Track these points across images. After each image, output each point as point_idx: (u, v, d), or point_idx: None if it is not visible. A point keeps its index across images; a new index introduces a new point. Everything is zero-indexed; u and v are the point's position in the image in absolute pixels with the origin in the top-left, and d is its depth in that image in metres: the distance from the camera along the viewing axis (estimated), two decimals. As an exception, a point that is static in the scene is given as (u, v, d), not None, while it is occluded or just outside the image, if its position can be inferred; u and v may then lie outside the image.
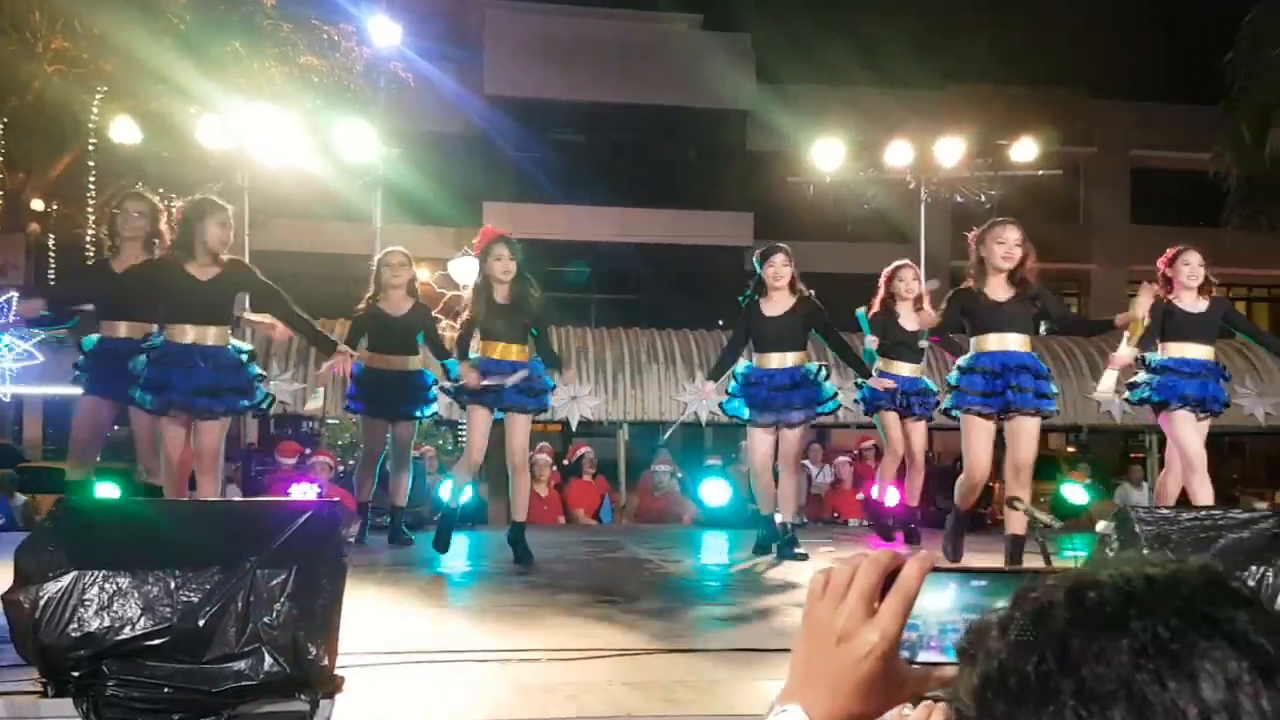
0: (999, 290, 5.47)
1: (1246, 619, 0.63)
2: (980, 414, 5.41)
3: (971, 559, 6.47)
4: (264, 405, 5.63)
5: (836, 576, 0.87)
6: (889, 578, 0.85)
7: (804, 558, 6.02)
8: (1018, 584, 0.81)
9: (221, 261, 5.25)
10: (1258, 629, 0.63)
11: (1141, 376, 5.97)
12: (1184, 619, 0.63)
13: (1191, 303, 5.99)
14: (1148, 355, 5.97)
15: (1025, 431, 5.40)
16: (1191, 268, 5.99)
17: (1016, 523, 5.24)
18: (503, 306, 5.78)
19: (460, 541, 6.73)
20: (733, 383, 6.25)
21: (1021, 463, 5.38)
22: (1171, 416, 5.79)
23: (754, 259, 6.33)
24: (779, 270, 6.07)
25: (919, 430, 6.98)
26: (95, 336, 5.66)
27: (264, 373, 5.75)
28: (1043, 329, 8.25)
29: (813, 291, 6.23)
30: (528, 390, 5.75)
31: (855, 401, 7.40)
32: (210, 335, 5.16)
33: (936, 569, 0.85)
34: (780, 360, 6.06)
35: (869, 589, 0.85)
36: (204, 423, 5.15)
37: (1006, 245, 5.45)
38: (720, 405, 6.49)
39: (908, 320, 6.86)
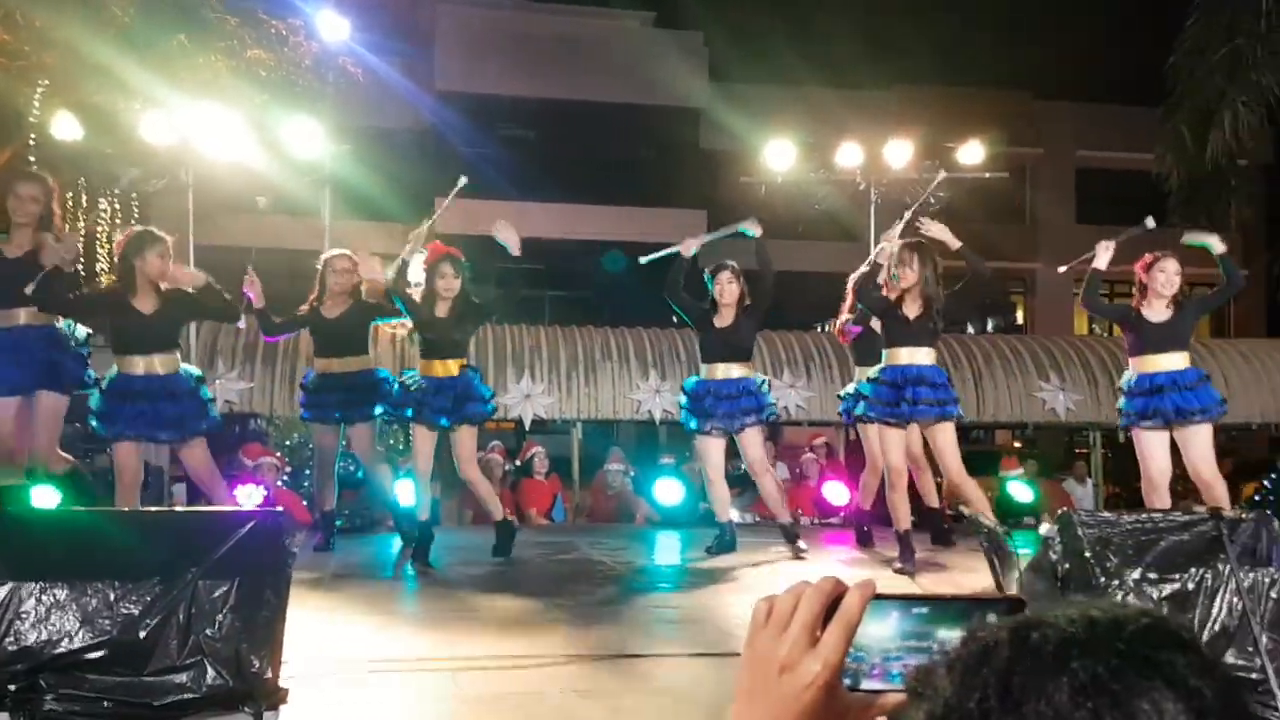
0: (912, 307, 5.99)
1: (1185, 662, 0.65)
2: (887, 423, 5.94)
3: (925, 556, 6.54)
4: (219, 427, 6.04)
5: (779, 606, 0.87)
6: (831, 606, 0.86)
7: (804, 555, 6.35)
8: (958, 610, 0.84)
9: (163, 293, 5.58)
10: (1195, 672, 0.64)
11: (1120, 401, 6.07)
12: (1124, 660, 0.64)
13: (1160, 311, 5.91)
14: (1124, 377, 6.09)
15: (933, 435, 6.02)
16: (1167, 275, 5.85)
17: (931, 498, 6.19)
18: (442, 321, 6.10)
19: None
20: (682, 396, 6.67)
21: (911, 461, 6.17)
22: (1135, 435, 5.92)
23: (705, 274, 6.58)
24: (724, 288, 6.41)
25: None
26: None
27: (214, 396, 6.14)
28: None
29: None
30: (464, 404, 6.03)
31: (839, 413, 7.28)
32: (159, 364, 5.47)
33: (878, 596, 0.86)
34: (726, 371, 6.39)
35: (812, 618, 0.85)
36: (185, 448, 5.64)
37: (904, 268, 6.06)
38: (682, 421, 6.79)
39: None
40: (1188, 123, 15.22)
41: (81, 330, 5.53)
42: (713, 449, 6.46)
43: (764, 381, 6.63)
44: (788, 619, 0.86)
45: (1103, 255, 6.08)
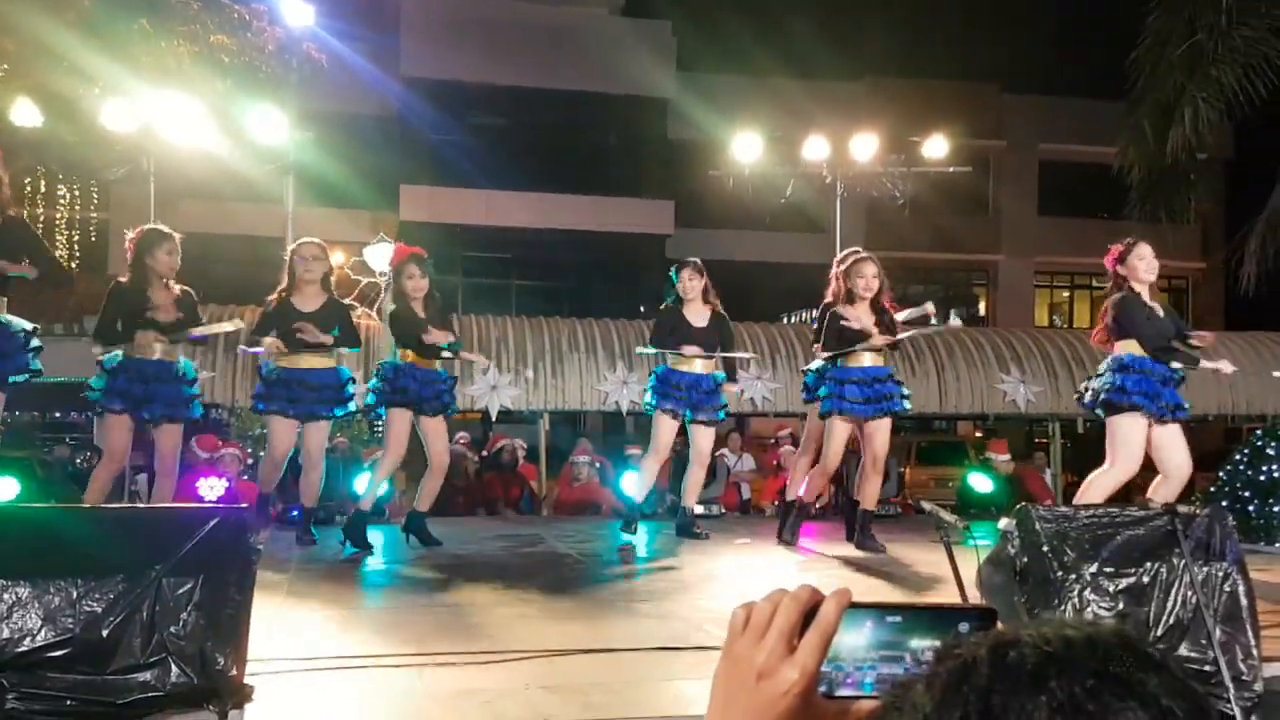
0: (865, 314, 6.40)
1: (1157, 682, 0.67)
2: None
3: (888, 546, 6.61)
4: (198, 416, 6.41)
5: (757, 614, 0.88)
6: (808, 614, 0.87)
7: (703, 537, 6.86)
8: (931, 620, 0.87)
9: (171, 290, 5.99)
10: (1167, 692, 0.67)
11: (1102, 379, 5.69)
12: (1100, 680, 0.67)
13: (1149, 300, 5.66)
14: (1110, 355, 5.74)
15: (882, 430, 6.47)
16: (1148, 261, 5.65)
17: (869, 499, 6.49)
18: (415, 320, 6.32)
19: (373, 537, 6.68)
20: (652, 379, 6.88)
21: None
22: (1117, 420, 5.60)
23: (671, 272, 6.88)
24: (686, 285, 6.72)
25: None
26: None
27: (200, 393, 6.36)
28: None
29: (725, 313, 6.90)
30: (440, 395, 6.37)
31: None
32: (164, 351, 5.92)
33: (854, 605, 0.87)
34: (689, 365, 6.71)
35: (789, 626, 0.86)
36: (167, 427, 5.90)
37: (865, 278, 6.40)
38: (645, 406, 7.04)
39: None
40: (1149, 117, 15.37)
41: (19, 322, 5.26)
42: (669, 430, 6.79)
43: (724, 378, 6.90)
44: (765, 626, 0.87)
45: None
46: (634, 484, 7.08)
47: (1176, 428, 5.64)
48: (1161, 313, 5.76)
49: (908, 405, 6.73)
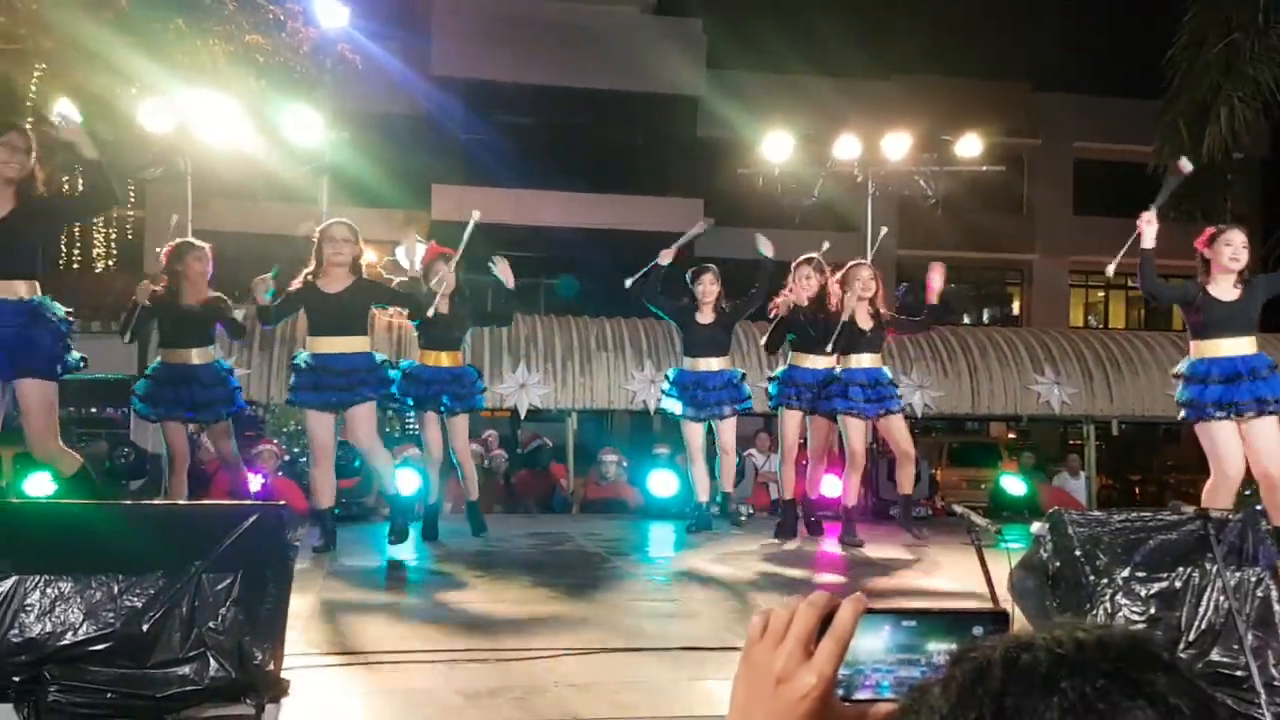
0: (865, 318, 6.60)
1: (1165, 681, 0.70)
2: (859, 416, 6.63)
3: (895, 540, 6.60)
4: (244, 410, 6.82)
5: (775, 620, 0.91)
6: (825, 620, 0.90)
7: (739, 523, 7.30)
8: (946, 624, 0.89)
9: (206, 295, 6.29)
10: (1174, 691, 0.69)
11: (1178, 389, 5.55)
12: (1110, 680, 0.69)
13: (1228, 290, 5.45)
14: (1184, 362, 5.58)
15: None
16: (1234, 249, 5.41)
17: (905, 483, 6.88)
18: (442, 318, 6.48)
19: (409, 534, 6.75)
20: (667, 384, 7.26)
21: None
22: (1201, 428, 5.40)
23: (686, 275, 7.23)
24: (707, 289, 7.07)
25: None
26: None
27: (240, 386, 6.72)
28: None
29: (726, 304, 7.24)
30: (460, 394, 6.54)
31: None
32: (196, 355, 6.19)
33: (870, 611, 0.90)
34: (707, 364, 7.07)
35: (806, 632, 0.89)
36: (214, 427, 6.35)
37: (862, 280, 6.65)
38: (658, 407, 7.56)
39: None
40: (1185, 116, 15.25)
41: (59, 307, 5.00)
42: (695, 433, 7.10)
43: (743, 374, 7.28)
44: (783, 632, 0.89)
45: (1148, 232, 5.57)
46: (699, 488, 7.32)
47: (1270, 421, 5.28)
48: (1239, 293, 5.45)
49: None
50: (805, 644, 0.89)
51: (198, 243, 6.40)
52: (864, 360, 6.66)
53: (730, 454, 7.24)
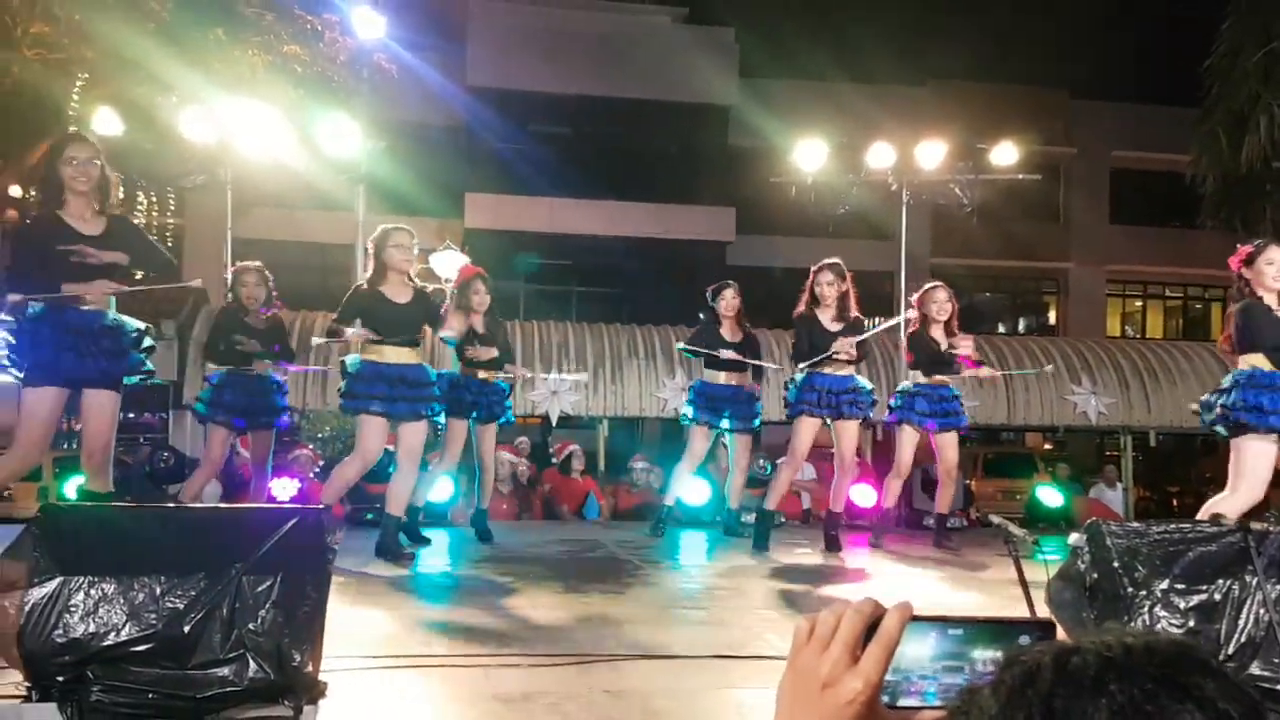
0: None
1: (1214, 686, 0.70)
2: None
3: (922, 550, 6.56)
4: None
5: (821, 625, 0.92)
6: (871, 626, 0.90)
7: (740, 534, 7.26)
8: (992, 632, 0.90)
9: (265, 317, 6.83)
10: (1223, 695, 0.70)
11: (1231, 396, 5.13)
12: (1158, 684, 0.70)
13: (1276, 305, 5.15)
14: (1233, 371, 5.21)
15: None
16: (1277, 266, 5.11)
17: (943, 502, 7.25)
18: (480, 336, 6.77)
19: (439, 540, 6.83)
20: (690, 393, 7.49)
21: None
22: (1243, 442, 5.08)
23: (707, 293, 7.44)
24: (730, 303, 7.27)
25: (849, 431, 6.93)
26: (39, 307, 4.69)
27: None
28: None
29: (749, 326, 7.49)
30: (494, 405, 6.89)
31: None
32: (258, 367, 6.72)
33: (916, 618, 0.90)
34: (728, 378, 7.29)
35: (853, 638, 0.89)
36: (260, 433, 6.80)
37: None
38: (680, 418, 7.73)
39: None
40: (1223, 125, 15.09)
41: (131, 322, 5.02)
42: (701, 440, 7.37)
43: (760, 394, 7.50)
44: (829, 638, 0.90)
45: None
46: (677, 486, 7.69)
47: None
48: None
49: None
50: (852, 649, 0.89)
51: (255, 264, 6.95)
52: (919, 377, 7.17)
53: (743, 471, 7.46)
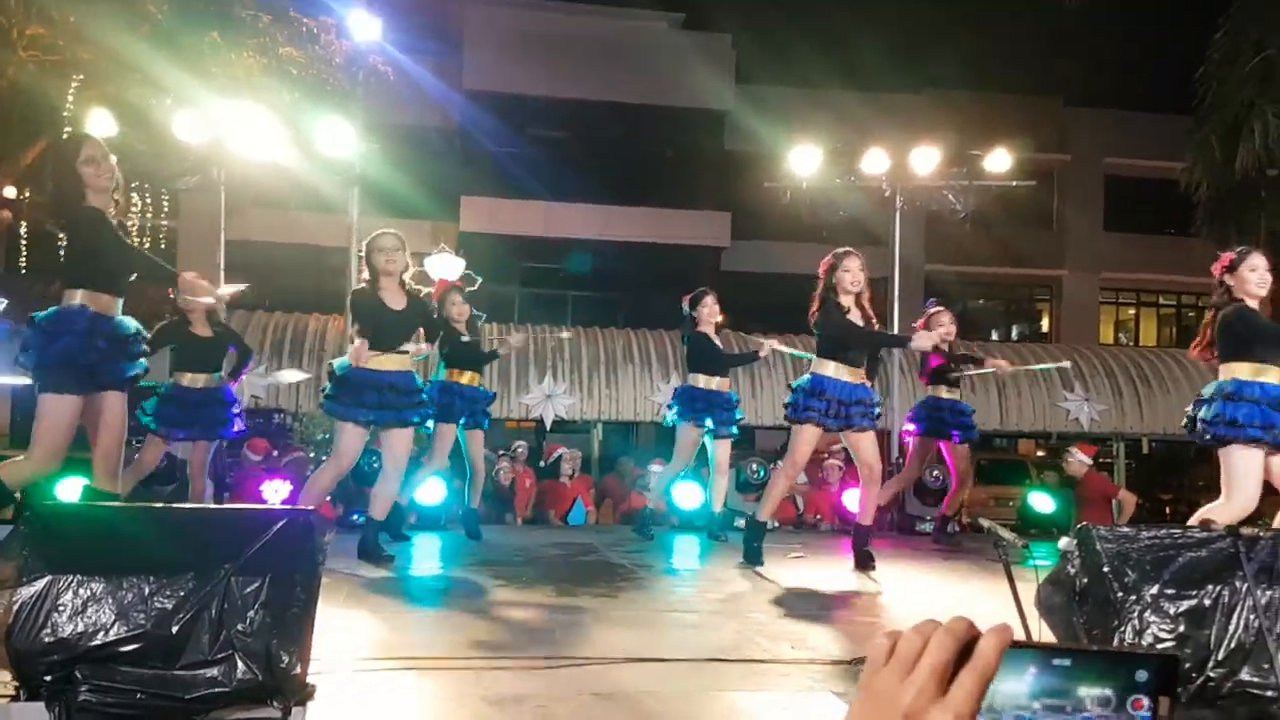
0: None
1: None
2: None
3: (932, 559, 6.56)
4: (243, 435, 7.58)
5: (904, 646, 0.78)
6: (962, 651, 0.77)
7: (720, 540, 7.50)
8: (1104, 666, 0.77)
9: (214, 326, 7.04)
10: None
11: (1210, 408, 5.11)
12: None
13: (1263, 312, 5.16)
14: (1217, 382, 5.14)
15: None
16: (1260, 273, 5.09)
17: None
18: (464, 342, 7.14)
19: (431, 543, 6.81)
20: (674, 397, 7.73)
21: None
22: (1229, 452, 5.06)
23: (685, 302, 7.64)
24: (712, 310, 7.52)
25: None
26: (54, 309, 4.69)
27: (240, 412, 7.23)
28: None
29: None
30: (482, 411, 7.27)
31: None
32: (203, 380, 6.88)
33: (1015, 644, 0.77)
34: (707, 383, 7.51)
35: (942, 664, 0.76)
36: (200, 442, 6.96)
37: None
38: (664, 419, 7.95)
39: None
40: (1217, 133, 15.14)
41: (130, 322, 4.95)
42: (691, 438, 7.54)
43: (737, 396, 7.84)
44: (913, 661, 0.77)
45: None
46: (660, 485, 8.17)
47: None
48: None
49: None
50: (940, 677, 0.76)
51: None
52: (941, 391, 7.90)
53: (724, 474, 7.82)
